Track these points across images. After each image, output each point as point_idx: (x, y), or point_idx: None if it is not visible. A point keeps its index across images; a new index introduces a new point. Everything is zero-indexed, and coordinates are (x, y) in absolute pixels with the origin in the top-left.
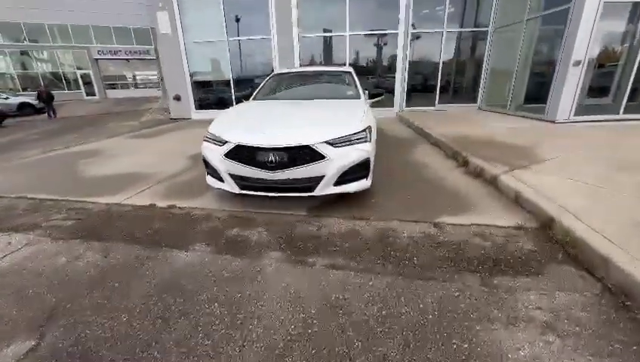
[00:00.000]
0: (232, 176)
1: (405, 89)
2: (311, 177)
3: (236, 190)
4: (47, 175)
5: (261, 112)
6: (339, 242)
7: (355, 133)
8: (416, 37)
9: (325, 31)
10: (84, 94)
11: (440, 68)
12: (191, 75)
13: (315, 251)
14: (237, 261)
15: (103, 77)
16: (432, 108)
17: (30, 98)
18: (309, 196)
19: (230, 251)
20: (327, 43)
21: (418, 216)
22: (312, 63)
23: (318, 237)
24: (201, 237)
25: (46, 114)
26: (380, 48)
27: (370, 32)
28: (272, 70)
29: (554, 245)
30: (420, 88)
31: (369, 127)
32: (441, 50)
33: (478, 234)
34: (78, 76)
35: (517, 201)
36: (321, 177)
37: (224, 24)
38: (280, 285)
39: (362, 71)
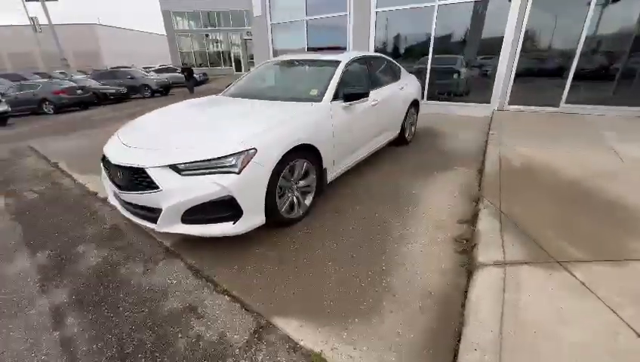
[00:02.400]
0: (109, 184)
1: (513, 77)
2: (150, 208)
3: (111, 200)
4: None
5: (179, 116)
6: (112, 309)
7: (216, 159)
8: None
9: (408, 2)
10: (234, 70)
11: (580, 43)
12: (275, 56)
13: (68, 315)
14: None
15: (249, 55)
16: (554, 109)
17: (196, 73)
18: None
19: (15, 282)
20: (409, 17)
21: (271, 301)
22: (388, 43)
23: (117, 289)
24: (53, 244)
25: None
26: (480, 18)
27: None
28: (346, 49)
29: None
30: (540, 75)
31: (251, 151)
32: (588, 14)
33: None
34: (232, 55)
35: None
36: (160, 210)
37: (305, 2)
38: None
39: (451, 50)
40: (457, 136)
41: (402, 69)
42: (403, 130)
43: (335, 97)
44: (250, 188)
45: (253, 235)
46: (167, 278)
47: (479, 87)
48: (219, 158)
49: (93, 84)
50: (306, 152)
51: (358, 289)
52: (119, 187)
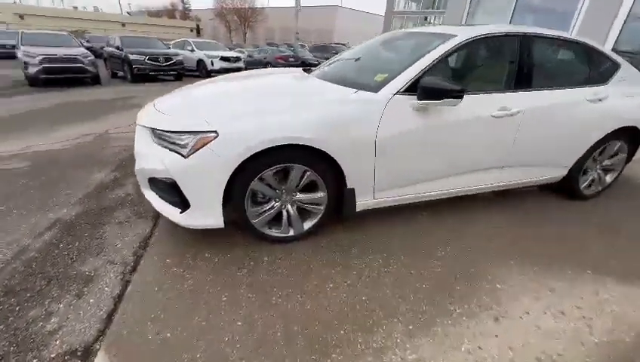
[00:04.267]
0: None
1: None
2: None
3: None
4: None
5: (220, 85)
6: (67, 244)
7: (172, 132)
8: None
9: None
10: None
11: None
12: None
13: (52, 231)
14: None
15: None
16: None
17: None
18: None
19: (73, 185)
20: None
21: (132, 327)
22: None
23: (93, 227)
24: (124, 170)
25: None
26: None
27: None
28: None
29: None
30: None
31: (209, 135)
32: None
33: None
34: None
35: None
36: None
37: None
38: None
39: None
40: None
41: (625, 65)
42: (577, 172)
43: (410, 90)
44: (199, 179)
45: (234, 233)
46: (119, 239)
47: None
48: (173, 133)
49: (306, 55)
50: (314, 157)
51: None
52: None
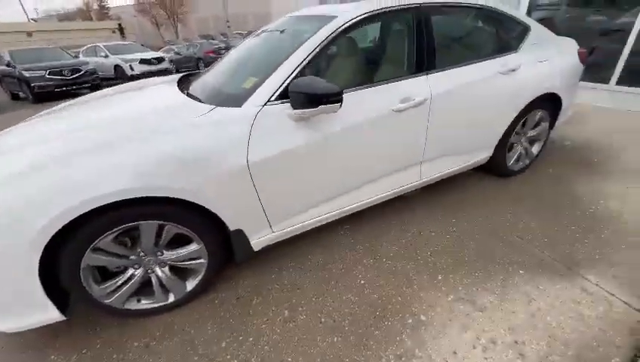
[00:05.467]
0: None
1: None
2: None
3: None
4: None
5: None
6: None
7: None
8: None
9: None
10: None
11: None
12: None
13: None
14: None
15: None
16: None
17: None
18: None
19: None
20: None
21: None
22: None
23: None
24: None
25: None
26: None
27: None
28: None
29: None
30: None
31: None
32: None
33: None
34: None
35: None
36: None
37: None
38: None
39: None
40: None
41: (535, 27)
42: (502, 150)
43: (286, 95)
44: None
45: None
46: None
47: None
48: None
49: None
50: (165, 206)
51: None
52: None
